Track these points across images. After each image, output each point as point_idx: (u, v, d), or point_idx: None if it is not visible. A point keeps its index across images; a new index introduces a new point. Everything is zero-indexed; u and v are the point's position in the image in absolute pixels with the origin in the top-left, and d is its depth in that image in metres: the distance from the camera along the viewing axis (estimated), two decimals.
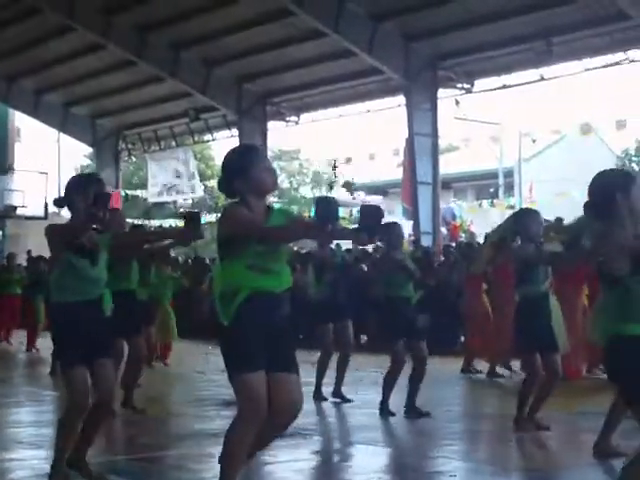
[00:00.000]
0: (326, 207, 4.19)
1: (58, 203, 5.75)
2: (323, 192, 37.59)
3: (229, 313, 4.37)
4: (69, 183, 5.61)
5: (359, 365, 11.46)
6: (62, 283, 5.44)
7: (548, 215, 10.50)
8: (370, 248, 16.01)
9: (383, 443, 7.48)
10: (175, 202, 34.89)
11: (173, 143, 30.09)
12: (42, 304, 15.66)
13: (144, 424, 8.05)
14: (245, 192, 4.48)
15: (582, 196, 4.52)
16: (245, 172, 4.47)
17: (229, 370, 4.40)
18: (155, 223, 32.41)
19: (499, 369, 11.89)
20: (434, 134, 22.04)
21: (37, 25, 24.47)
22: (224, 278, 4.45)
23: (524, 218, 7.54)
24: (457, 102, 23.31)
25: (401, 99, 22.66)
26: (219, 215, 4.82)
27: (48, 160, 35.45)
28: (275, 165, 39.02)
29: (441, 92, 22.21)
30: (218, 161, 41.10)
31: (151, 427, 7.99)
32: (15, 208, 29.13)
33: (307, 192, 38.20)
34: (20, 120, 33.10)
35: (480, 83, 22.42)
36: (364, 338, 16.43)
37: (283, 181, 41.38)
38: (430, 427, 7.92)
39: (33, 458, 6.32)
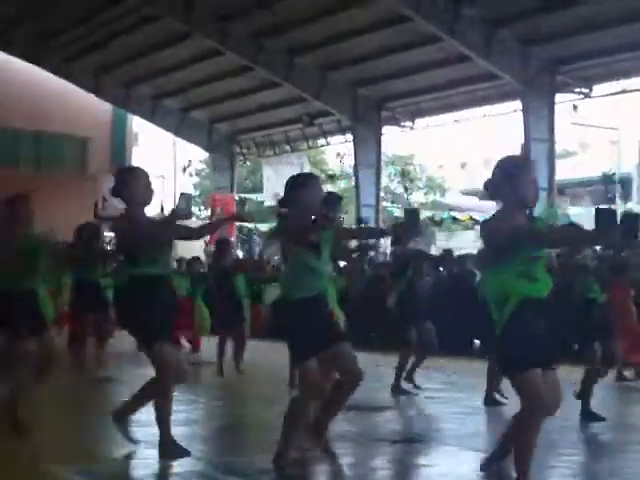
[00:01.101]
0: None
1: (283, 203, 5.88)
2: (437, 197, 37.30)
3: (502, 320, 4.79)
4: (291, 182, 5.91)
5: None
6: (296, 280, 5.71)
7: None
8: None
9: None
10: None
11: (287, 148, 30.32)
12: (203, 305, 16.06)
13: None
14: (510, 201, 4.86)
15: None
16: (514, 182, 4.84)
17: (510, 371, 4.89)
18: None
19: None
20: (550, 139, 21.68)
21: (155, 32, 24.90)
22: (495, 285, 4.83)
23: None
24: (575, 107, 22.88)
25: (517, 104, 22.36)
26: (482, 226, 5.22)
27: (165, 164, 36.14)
28: (390, 170, 39.12)
29: (558, 97, 21.84)
30: (331, 166, 41.23)
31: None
32: None
33: (420, 197, 37.94)
34: (138, 125, 33.78)
35: (598, 88, 22.00)
36: None
37: (396, 187, 41.26)
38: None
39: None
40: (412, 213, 5.99)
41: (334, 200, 7.04)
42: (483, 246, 5.32)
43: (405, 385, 10.32)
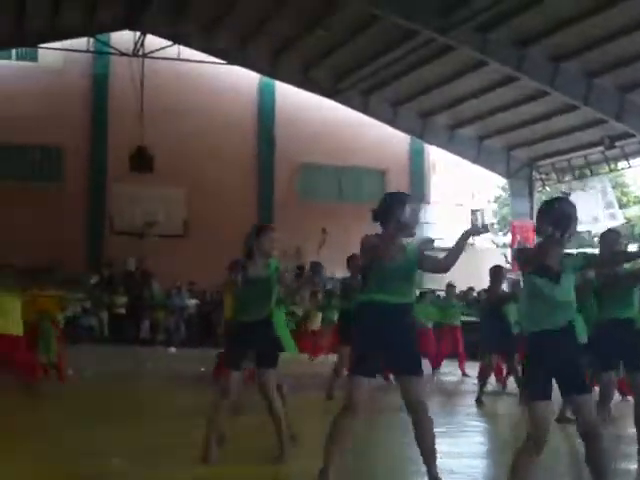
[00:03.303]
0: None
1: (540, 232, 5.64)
2: None
3: None
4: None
5: None
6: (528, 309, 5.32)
7: None
8: None
9: None
10: (589, 232, 34.07)
11: (587, 172, 29.42)
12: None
13: None
14: None
15: None
16: None
17: None
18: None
19: None
20: None
21: (450, 62, 25.04)
22: None
23: None
24: None
25: None
26: None
27: (462, 192, 36.12)
28: None
29: None
30: (634, 188, 39.55)
31: None
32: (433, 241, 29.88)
33: None
34: (435, 154, 33.98)
35: None
36: None
37: None
38: None
39: None
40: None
41: None
42: None
43: None
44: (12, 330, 11.31)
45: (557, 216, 5.23)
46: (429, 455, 5.99)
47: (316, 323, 20.99)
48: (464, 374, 17.87)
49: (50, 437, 8.31)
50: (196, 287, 27.95)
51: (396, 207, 5.93)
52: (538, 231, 5.38)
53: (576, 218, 5.32)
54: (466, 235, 5.81)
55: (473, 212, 5.92)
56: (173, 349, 24.44)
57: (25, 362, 11.56)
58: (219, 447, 7.09)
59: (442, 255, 6.07)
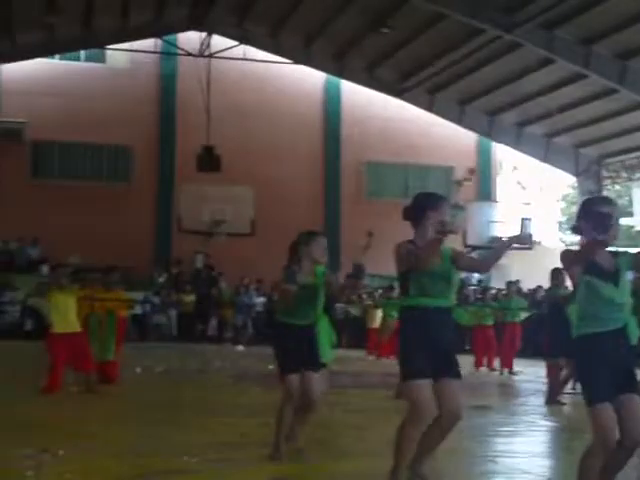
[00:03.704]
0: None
1: (575, 230, 5.59)
2: None
3: None
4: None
5: None
6: (585, 311, 5.18)
7: None
8: None
9: None
10: None
11: None
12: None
13: None
14: None
15: None
16: None
17: None
18: None
19: None
20: None
21: (517, 59, 24.87)
22: None
23: None
24: None
25: None
26: None
27: (530, 191, 35.82)
28: None
29: None
30: None
31: None
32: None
33: None
34: (502, 152, 33.77)
35: None
36: None
37: None
38: None
39: None
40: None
41: None
42: None
43: None
44: (69, 328, 11.55)
45: (595, 216, 5.18)
46: (430, 453, 5.97)
47: (376, 321, 21.01)
48: (511, 372, 17.90)
49: (117, 434, 8.44)
50: (263, 285, 28.14)
51: (430, 208, 5.89)
52: (578, 230, 5.33)
53: (617, 218, 5.25)
54: (509, 243, 5.79)
55: (522, 220, 5.84)
56: (241, 347, 24.63)
57: (84, 360, 11.77)
58: (288, 445, 7.16)
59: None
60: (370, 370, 18.05)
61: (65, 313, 11.55)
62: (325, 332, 7.51)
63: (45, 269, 26.76)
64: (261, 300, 27.89)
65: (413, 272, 5.76)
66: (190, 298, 27.39)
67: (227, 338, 26.85)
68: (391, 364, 16.78)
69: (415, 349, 5.74)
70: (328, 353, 7.55)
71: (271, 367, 16.02)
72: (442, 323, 5.81)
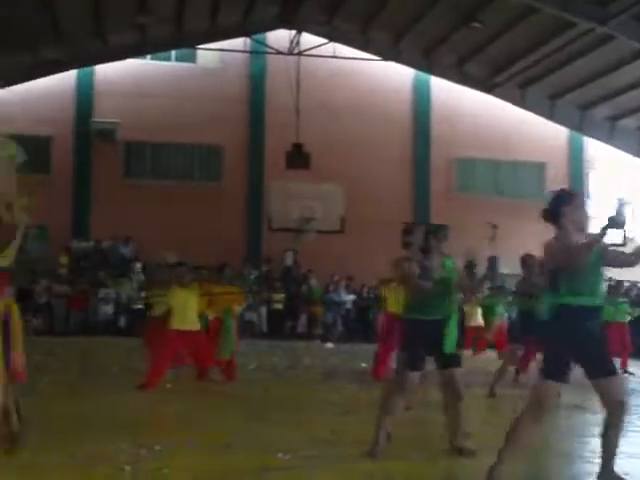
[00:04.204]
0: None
1: None
2: None
3: None
4: None
5: None
6: None
7: None
8: None
9: None
10: None
11: None
12: None
13: None
14: None
15: None
16: None
17: None
18: None
19: None
20: None
21: (609, 52, 24.41)
22: None
23: None
24: None
25: None
26: None
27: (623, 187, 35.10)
28: None
29: None
30: None
31: None
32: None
33: None
34: (595, 147, 33.16)
35: None
36: None
37: None
38: None
39: None
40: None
41: None
42: None
43: None
44: (189, 325, 11.72)
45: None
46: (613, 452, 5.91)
47: (477, 319, 20.76)
48: (626, 371, 17.53)
49: (211, 430, 8.52)
50: (353, 282, 28.15)
51: (564, 205, 5.85)
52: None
53: None
54: (607, 226, 5.67)
55: (618, 201, 5.74)
56: (330, 344, 24.67)
57: (202, 358, 11.94)
58: (387, 443, 7.14)
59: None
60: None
61: (185, 310, 11.75)
62: (454, 326, 7.44)
63: (138, 267, 27.27)
64: (351, 297, 27.90)
65: (565, 270, 5.72)
66: (280, 295, 27.55)
67: (316, 335, 26.92)
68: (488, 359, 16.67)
69: (558, 349, 5.72)
70: (452, 344, 7.46)
71: (364, 365, 16.06)
72: (594, 321, 5.79)
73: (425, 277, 6.96)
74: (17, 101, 27.53)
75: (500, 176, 31.57)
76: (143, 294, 18.60)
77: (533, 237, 23.35)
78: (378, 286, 22.06)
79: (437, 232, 7.21)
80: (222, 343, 13.06)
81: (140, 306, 25.89)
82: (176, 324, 11.71)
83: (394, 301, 12.69)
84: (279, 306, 27.44)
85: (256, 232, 29.51)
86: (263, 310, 27.24)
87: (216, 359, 12.72)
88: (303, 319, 27.70)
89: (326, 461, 6.94)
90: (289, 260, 29.18)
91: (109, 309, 26.18)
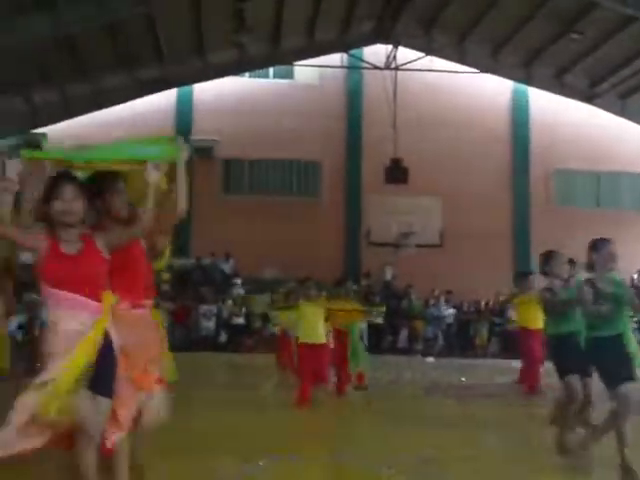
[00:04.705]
0: None
1: None
2: None
3: None
4: None
5: None
6: None
7: None
8: None
9: None
10: None
11: None
12: None
13: None
14: None
15: None
16: None
17: None
18: None
19: None
20: None
21: None
22: None
23: None
24: None
25: None
26: None
27: None
28: None
29: None
30: None
31: None
32: None
33: None
34: None
35: None
36: None
37: None
38: None
39: None
40: None
41: None
42: None
43: None
44: (316, 339, 11.86)
45: None
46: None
47: None
48: None
49: (314, 444, 8.57)
50: (453, 296, 27.99)
51: None
52: None
53: None
54: None
55: None
56: (431, 358, 24.56)
57: (323, 371, 12.05)
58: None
59: None
60: None
61: (314, 324, 11.92)
62: (632, 340, 7.42)
63: (239, 282, 27.57)
64: (451, 312, 27.73)
65: None
66: (380, 310, 27.48)
67: (417, 350, 26.83)
68: None
69: None
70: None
71: (463, 379, 15.95)
72: None
73: (593, 292, 6.97)
74: (116, 121, 27.93)
75: (601, 187, 31.05)
76: (270, 311, 18.83)
77: (632, 251, 22.93)
78: (504, 304, 22.26)
79: (598, 246, 7.22)
80: (350, 357, 13.33)
81: (241, 321, 26.23)
82: (305, 338, 11.85)
83: (526, 317, 13.51)
84: (379, 320, 27.37)
85: (354, 247, 29.57)
86: (364, 325, 27.22)
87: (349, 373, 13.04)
88: (404, 334, 27.62)
89: (430, 478, 6.93)
90: (388, 274, 29.16)
91: (211, 324, 26.52)
